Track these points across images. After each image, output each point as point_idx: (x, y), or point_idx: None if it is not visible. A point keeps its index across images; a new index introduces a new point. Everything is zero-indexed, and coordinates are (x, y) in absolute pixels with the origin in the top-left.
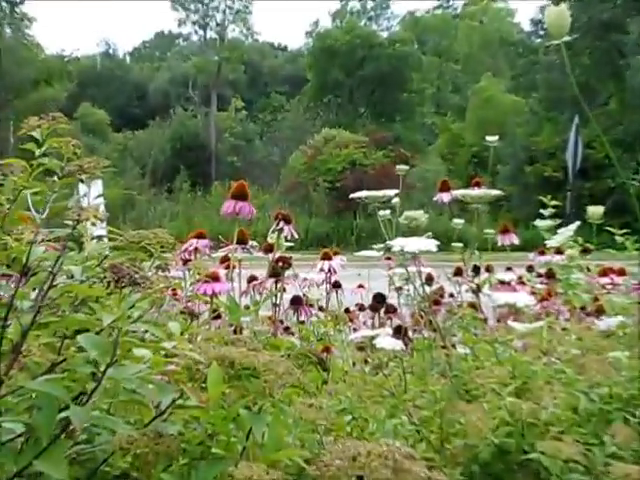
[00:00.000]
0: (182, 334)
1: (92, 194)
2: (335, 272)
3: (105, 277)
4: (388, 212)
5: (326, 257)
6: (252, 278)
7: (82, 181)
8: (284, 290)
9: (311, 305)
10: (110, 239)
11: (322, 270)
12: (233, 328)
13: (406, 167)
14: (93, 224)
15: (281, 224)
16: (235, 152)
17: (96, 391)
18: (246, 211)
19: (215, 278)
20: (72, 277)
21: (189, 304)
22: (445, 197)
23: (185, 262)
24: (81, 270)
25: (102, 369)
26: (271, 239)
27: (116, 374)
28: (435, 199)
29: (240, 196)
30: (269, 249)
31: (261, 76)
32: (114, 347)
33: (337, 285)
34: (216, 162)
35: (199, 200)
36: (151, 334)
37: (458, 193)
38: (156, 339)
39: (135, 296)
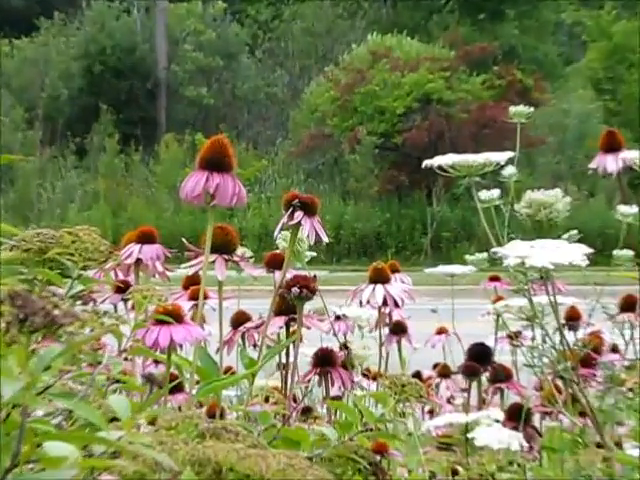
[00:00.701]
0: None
1: None
2: (397, 305)
3: (1, 315)
4: (495, 193)
5: (379, 277)
6: (241, 317)
7: None
8: (301, 340)
9: (352, 366)
10: None
11: (370, 302)
12: (208, 409)
13: (527, 108)
14: None
15: (297, 216)
16: (203, 79)
17: None
18: (228, 192)
19: (175, 316)
20: None
21: (128, 363)
22: (611, 163)
23: (121, 287)
24: None
25: None
26: (281, 243)
27: None
28: (592, 166)
29: (217, 163)
30: (274, 263)
31: None
32: (17, 440)
33: (400, 329)
34: (168, 98)
35: (136, 169)
36: (78, 417)
37: (633, 157)
38: (87, 426)
39: (52, 348)
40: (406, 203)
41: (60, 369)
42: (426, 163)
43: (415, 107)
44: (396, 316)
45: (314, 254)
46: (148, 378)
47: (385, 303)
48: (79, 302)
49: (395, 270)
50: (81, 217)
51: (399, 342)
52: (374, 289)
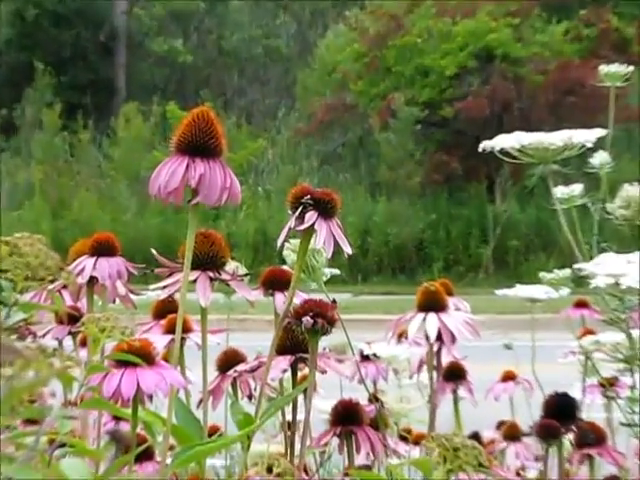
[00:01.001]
0: None
1: None
2: (453, 340)
3: None
4: (579, 188)
5: (432, 303)
6: (232, 358)
7: None
8: (315, 389)
9: (385, 425)
10: None
11: (415, 339)
12: None
13: (626, 67)
14: None
15: (309, 219)
16: (177, 28)
17: None
18: (217, 186)
19: (143, 356)
20: None
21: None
22: None
23: (71, 315)
24: None
25: None
26: (289, 256)
27: None
28: None
29: (201, 146)
30: (276, 282)
31: None
32: None
33: (457, 375)
34: (128, 54)
35: (85, 152)
36: None
37: None
38: None
39: None
40: (459, 200)
41: None
42: (485, 145)
43: (471, 66)
44: (447, 356)
45: (335, 271)
46: (113, 436)
47: (439, 339)
48: (14, 336)
49: (450, 291)
50: (9, 218)
51: (455, 392)
52: (425, 319)
